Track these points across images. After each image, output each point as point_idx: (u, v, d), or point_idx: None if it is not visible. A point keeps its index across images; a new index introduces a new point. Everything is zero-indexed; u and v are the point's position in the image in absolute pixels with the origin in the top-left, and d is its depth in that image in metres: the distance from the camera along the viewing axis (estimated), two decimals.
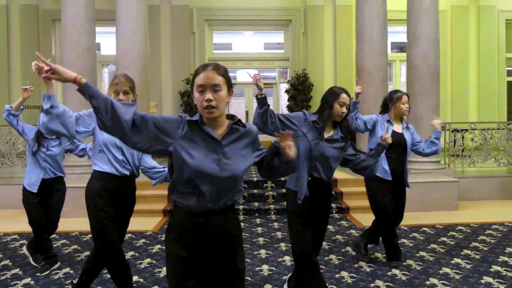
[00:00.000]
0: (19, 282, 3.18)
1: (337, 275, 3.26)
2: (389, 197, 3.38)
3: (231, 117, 1.66)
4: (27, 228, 3.63)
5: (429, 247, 3.96)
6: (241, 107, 17.14)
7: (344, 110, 2.52)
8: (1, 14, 10.45)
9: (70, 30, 5.98)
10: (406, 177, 3.50)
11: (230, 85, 1.61)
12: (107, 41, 11.27)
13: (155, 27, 10.17)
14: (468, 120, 10.51)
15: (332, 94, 2.55)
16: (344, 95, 2.53)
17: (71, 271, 3.39)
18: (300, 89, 10.55)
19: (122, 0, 6.13)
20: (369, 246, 3.71)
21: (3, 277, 3.30)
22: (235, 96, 17.66)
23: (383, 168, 3.37)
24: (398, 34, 10.87)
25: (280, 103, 12.25)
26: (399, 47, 11.52)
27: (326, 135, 2.53)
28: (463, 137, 6.78)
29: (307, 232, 2.48)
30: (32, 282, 3.17)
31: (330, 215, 5.24)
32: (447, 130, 6.72)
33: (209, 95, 1.51)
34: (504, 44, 11.08)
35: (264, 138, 2.65)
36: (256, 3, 10.90)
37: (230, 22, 11.25)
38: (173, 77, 10.72)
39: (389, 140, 2.64)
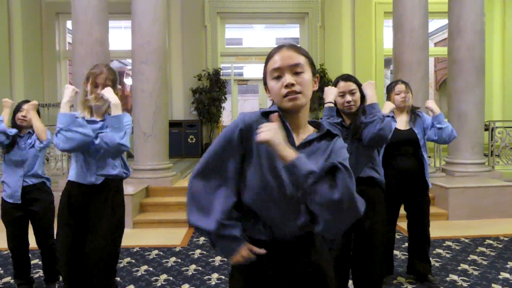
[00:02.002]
0: None
1: None
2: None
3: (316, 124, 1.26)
4: None
5: (507, 266, 3.43)
6: (253, 103, 16.64)
7: (348, 98, 2.22)
8: (2, 7, 9.85)
9: (82, 21, 5.42)
10: (426, 175, 2.93)
11: (314, 68, 1.23)
12: (112, 35, 10.73)
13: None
14: (493, 117, 10.00)
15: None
16: (341, 83, 2.27)
17: None
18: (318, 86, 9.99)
19: None
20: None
21: None
22: (247, 93, 17.19)
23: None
24: None
25: None
26: None
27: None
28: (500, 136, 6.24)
29: None
30: None
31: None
32: (491, 129, 6.18)
33: (289, 78, 1.13)
34: None
35: None
36: None
37: (243, 15, 10.69)
38: (184, 73, 10.17)
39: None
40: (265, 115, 1.19)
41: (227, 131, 1.18)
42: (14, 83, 10.02)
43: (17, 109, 2.93)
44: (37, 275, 3.27)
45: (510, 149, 6.23)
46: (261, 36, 13.37)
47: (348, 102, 2.22)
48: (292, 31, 12.85)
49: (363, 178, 2.22)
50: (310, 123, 1.27)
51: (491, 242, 4.08)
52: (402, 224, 4.27)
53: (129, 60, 14.21)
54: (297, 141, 1.18)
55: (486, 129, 6.25)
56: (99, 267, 2.07)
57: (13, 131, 2.86)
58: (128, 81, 17.38)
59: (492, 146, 6.15)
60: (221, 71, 10.28)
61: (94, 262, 2.06)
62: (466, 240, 4.15)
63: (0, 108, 3.14)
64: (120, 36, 10.93)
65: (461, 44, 5.79)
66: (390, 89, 3.01)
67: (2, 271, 3.45)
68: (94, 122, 2.17)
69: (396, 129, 2.84)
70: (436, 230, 4.49)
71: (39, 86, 10.09)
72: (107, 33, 5.74)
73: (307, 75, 1.17)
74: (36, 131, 2.86)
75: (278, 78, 1.16)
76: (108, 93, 2.08)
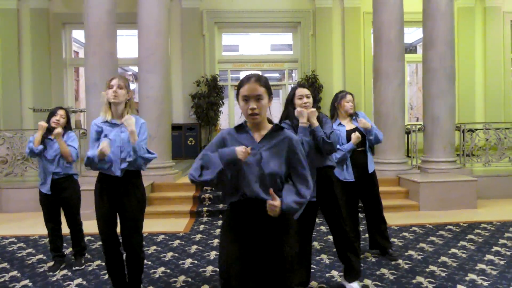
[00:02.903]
0: (17, 284, 3.25)
1: (327, 274, 3.36)
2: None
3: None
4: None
5: (459, 244, 4.08)
6: None
7: (305, 100, 2.83)
8: (12, 18, 10.50)
9: (94, 34, 6.06)
10: (369, 164, 3.61)
11: (271, 92, 1.88)
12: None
13: None
14: (475, 120, 10.71)
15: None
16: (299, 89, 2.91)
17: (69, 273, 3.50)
18: (309, 91, 10.63)
19: (144, 5, 6.20)
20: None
21: (2, 279, 3.36)
22: None
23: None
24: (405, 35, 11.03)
25: None
26: (405, 48, 11.66)
27: None
28: (470, 137, 6.89)
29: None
30: (30, 284, 3.25)
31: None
32: (462, 130, 6.84)
33: (252, 104, 1.78)
34: (509, 44, 11.26)
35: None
36: (265, 5, 11.01)
37: (239, 24, 11.36)
38: (183, 80, 10.81)
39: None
40: (236, 128, 1.88)
41: (218, 136, 1.91)
42: (23, 89, 10.65)
43: (52, 113, 3.56)
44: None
45: (479, 148, 6.90)
46: (257, 42, 14.04)
47: (305, 103, 2.84)
48: (286, 38, 13.52)
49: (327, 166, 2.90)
50: (270, 121, 1.97)
51: (451, 227, 4.74)
52: None
53: (131, 67, 14.92)
54: (259, 136, 1.85)
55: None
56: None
57: (40, 147, 3.46)
58: (131, 86, 17.89)
59: (463, 146, 6.81)
60: (219, 77, 10.94)
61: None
62: (430, 226, 4.80)
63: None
64: (124, 44, 11.56)
65: (434, 54, 6.46)
66: (340, 97, 3.57)
67: (34, 251, 4.09)
68: (116, 124, 2.77)
69: (346, 131, 3.50)
70: (407, 218, 5.18)
71: (46, 92, 10.68)
72: (116, 45, 6.39)
73: (265, 100, 1.81)
74: (64, 155, 3.49)
75: (246, 101, 1.80)
76: (127, 121, 2.67)
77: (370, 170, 3.62)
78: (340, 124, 3.54)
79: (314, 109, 2.80)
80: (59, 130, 3.44)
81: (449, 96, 6.46)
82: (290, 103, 2.91)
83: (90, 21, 6.06)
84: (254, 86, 1.79)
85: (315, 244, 4.19)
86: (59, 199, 3.57)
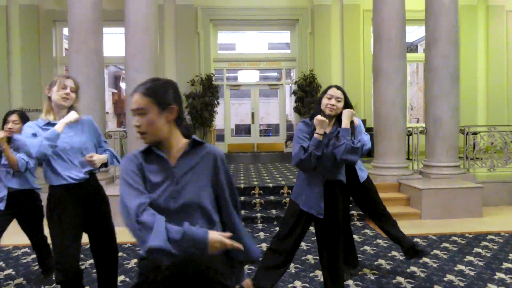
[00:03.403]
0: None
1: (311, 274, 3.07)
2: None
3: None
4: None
5: (465, 259, 3.76)
6: (247, 107, 16.99)
7: (333, 102, 2.53)
8: (0, 15, 10.17)
9: (77, 31, 5.74)
10: (358, 171, 3.32)
11: (164, 103, 1.42)
12: (108, 41, 11.04)
13: (159, 27, 9.92)
14: (478, 122, 10.40)
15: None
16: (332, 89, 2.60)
17: None
18: (307, 90, 10.34)
19: (131, 0, 5.87)
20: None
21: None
22: (240, 96, 17.52)
23: None
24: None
25: (286, 104, 12.03)
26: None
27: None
28: (474, 140, 6.58)
29: None
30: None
31: (352, 222, 5.09)
32: (466, 133, 6.52)
33: (135, 121, 1.42)
34: None
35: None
36: (262, 2, 10.70)
37: (235, 22, 11.04)
38: (177, 79, 10.44)
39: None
40: (143, 152, 1.47)
41: (132, 161, 1.46)
42: (12, 89, 10.33)
43: (4, 120, 3.13)
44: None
45: (484, 152, 6.58)
46: (254, 41, 13.71)
47: (332, 105, 2.52)
48: (283, 36, 13.19)
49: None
50: (186, 135, 1.51)
51: (456, 238, 4.42)
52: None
53: (121, 66, 14.54)
54: (174, 159, 1.43)
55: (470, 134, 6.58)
56: None
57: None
58: (123, 85, 17.62)
59: (466, 149, 6.49)
60: (214, 76, 10.61)
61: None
62: (434, 237, 4.49)
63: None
64: (115, 42, 11.24)
65: (437, 53, 6.14)
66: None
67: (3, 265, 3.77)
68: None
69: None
70: (408, 228, 4.82)
71: (36, 91, 10.35)
72: (102, 43, 6.06)
73: (151, 115, 1.39)
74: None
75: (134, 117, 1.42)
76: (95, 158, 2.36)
77: (361, 179, 3.31)
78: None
79: (351, 110, 2.51)
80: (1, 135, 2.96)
81: (452, 97, 6.14)
82: (318, 102, 2.61)
83: (74, 17, 5.75)
84: (136, 98, 1.41)
85: (302, 244, 4.11)
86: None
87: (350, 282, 3.20)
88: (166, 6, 10.42)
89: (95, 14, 5.85)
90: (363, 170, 3.35)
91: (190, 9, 10.54)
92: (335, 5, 10.75)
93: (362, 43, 10.73)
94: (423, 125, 6.60)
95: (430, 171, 6.21)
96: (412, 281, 3.24)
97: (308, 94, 10.34)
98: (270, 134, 14.48)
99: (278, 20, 11.01)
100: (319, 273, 3.39)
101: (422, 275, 3.38)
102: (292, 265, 3.58)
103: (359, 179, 3.30)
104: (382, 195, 5.56)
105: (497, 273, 3.39)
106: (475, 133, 6.68)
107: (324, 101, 2.56)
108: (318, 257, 3.43)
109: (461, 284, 3.18)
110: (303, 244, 4.16)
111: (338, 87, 2.61)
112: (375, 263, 3.66)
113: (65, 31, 11.33)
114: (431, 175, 6.14)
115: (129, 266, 3.72)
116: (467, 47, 10.70)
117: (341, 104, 2.54)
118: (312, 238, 4.31)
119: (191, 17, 10.55)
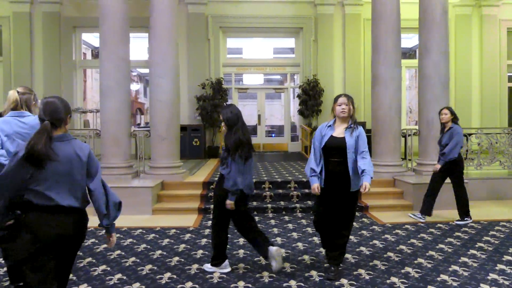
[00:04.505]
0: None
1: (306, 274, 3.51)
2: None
3: None
4: None
5: (446, 240, 4.45)
6: (250, 109, 17.70)
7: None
8: (24, 21, 10.91)
9: (109, 41, 6.44)
10: (351, 181, 3.29)
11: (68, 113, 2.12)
12: None
13: None
14: (472, 125, 11.08)
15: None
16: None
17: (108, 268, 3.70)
18: (311, 94, 11.04)
19: (156, 14, 6.57)
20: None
21: None
22: (247, 98, 18.24)
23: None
24: (403, 40, 11.39)
25: (290, 107, 12.73)
26: (403, 53, 12.02)
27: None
28: (466, 142, 7.26)
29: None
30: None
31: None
32: None
33: None
34: (505, 51, 11.63)
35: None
36: (269, 11, 11.40)
37: (243, 29, 11.77)
38: (189, 82, 11.20)
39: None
40: None
41: None
42: (35, 90, 10.86)
43: None
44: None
45: (471, 152, 7.27)
46: (260, 46, 14.41)
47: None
48: (288, 42, 13.88)
49: None
50: None
51: (440, 225, 5.12)
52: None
53: (139, 70, 15.32)
54: None
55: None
56: None
57: None
58: (133, 87, 18.38)
59: None
60: (223, 80, 11.33)
61: None
62: (422, 224, 5.18)
63: None
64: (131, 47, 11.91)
65: (429, 62, 6.82)
66: (334, 101, 3.46)
67: None
68: None
69: (331, 136, 3.34)
70: (401, 217, 5.53)
71: (57, 92, 11.05)
72: (129, 51, 6.77)
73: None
74: None
75: None
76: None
77: (352, 188, 3.31)
78: (330, 126, 3.40)
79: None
80: None
81: (442, 102, 6.79)
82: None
83: (105, 27, 6.44)
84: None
85: (299, 245, 4.35)
86: None
87: (344, 281, 3.33)
88: (179, 15, 10.99)
89: (124, 25, 6.56)
90: (356, 180, 3.32)
91: (201, 17, 11.27)
92: (338, 14, 11.46)
93: (363, 50, 11.41)
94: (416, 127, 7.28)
95: (423, 169, 6.88)
96: (400, 255, 3.93)
97: (311, 98, 11.05)
98: (273, 135, 15.07)
99: (284, 28, 11.73)
100: (314, 273, 3.52)
101: (408, 251, 4.07)
102: (287, 264, 3.74)
103: (350, 186, 3.34)
104: (378, 189, 6.35)
105: (471, 250, 4.07)
106: (465, 135, 7.36)
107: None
108: (314, 258, 3.91)
109: (440, 257, 3.87)
110: (299, 244, 4.38)
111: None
112: (370, 263, 3.77)
113: (84, 36, 12.08)
114: (423, 172, 6.81)
115: (163, 244, 4.40)
116: (462, 54, 11.42)
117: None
118: (309, 239, 4.56)
119: (202, 25, 11.28)
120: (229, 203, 3.31)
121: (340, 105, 3.37)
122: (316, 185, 3.32)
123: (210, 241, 4.40)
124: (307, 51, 11.52)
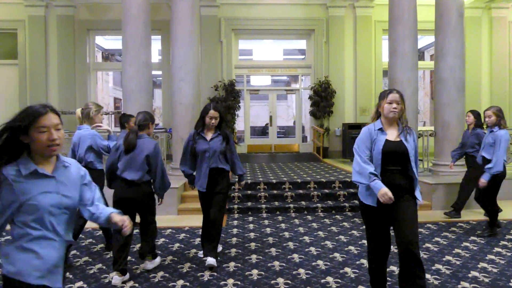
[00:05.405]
0: (72, 285, 3.37)
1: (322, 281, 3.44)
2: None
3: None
4: None
5: (470, 239, 4.59)
6: (257, 109, 17.85)
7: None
8: (39, 25, 11.07)
9: (131, 47, 6.59)
10: (417, 191, 2.71)
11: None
12: None
13: None
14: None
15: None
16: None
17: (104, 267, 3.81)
18: (323, 96, 11.17)
19: (178, 19, 6.71)
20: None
21: None
22: (259, 99, 18.40)
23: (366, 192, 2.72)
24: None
25: (302, 108, 12.87)
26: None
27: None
28: None
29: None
30: (85, 286, 3.37)
31: (344, 213, 5.90)
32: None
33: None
34: None
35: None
36: (281, 13, 11.54)
37: (255, 31, 11.92)
38: (202, 84, 11.29)
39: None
40: None
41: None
42: (49, 92, 11.21)
43: None
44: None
45: None
46: (270, 47, 14.57)
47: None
48: (299, 43, 14.06)
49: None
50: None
51: (462, 224, 5.24)
52: None
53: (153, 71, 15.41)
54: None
55: None
56: None
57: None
58: None
59: None
60: (235, 81, 11.47)
61: None
62: (443, 223, 5.31)
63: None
64: None
65: (445, 65, 6.95)
66: (381, 97, 2.78)
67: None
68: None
69: (387, 140, 2.70)
70: (420, 217, 5.62)
71: (71, 94, 11.24)
72: (150, 56, 6.92)
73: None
74: None
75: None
76: None
77: (419, 202, 2.71)
78: (381, 130, 2.72)
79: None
80: None
81: (458, 105, 6.95)
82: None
83: (128, 34, 6.59)
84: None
85: (312, 250, 4.24)
86: None
87: (330, 279, 3.40)
88: None
89: (145, 30, 6.71)
90: (418, 190, 2.76)
91: (214, 19, 11.42)
92: (349, 16, 11.60)
93: (374, 51, 11.56)
94: (431, 128, 7.41)
95: (439, 169, 7.02)
96: (428, 253, 4.06)
97: (323, 99, 11.18)
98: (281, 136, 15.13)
99: (296, 29, 11.88)
100: (302, 271, 3.61)
101: (435, 249, 4.20)
102: (277, 263, 3.81)
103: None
104: None
105: (495, 248, 4.21)
106: None
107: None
108: (303, 256, 3.96)
109: (467, 255, 4.00)
110: (290, 243, 4.42)
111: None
112: (357, 262, 3.85)
113: (97, 39, 12.26)
114: (440, 172, 6.95)
115: (196, 243, 4.55)
116: (472, 56, 11.51)
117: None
118: (300, 238, 4.63)
119: (215, 27, 11.43)
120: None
121: (391, 103, 2.67)
122: (386, 190, 2.54)
123: (240, 239, 4.59)
124: (319, 53, 11.66)
